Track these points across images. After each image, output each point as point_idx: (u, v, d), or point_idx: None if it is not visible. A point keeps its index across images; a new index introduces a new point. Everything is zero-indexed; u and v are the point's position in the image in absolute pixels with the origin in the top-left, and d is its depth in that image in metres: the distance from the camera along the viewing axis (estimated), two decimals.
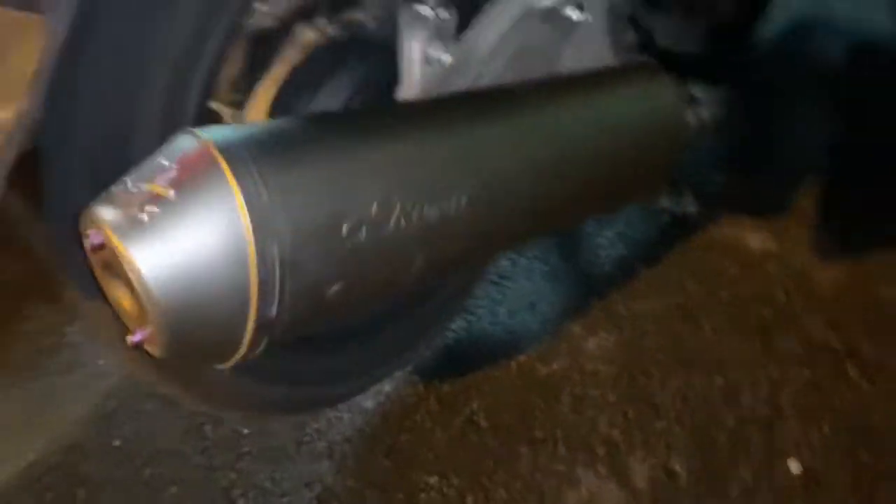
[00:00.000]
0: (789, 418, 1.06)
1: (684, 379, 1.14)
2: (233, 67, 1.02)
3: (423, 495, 1.06)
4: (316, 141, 0.57)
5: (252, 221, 0.51)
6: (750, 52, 1.16)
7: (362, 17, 1.04)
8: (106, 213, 0.49)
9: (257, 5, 1.01)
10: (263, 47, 1.01)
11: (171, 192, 0.49)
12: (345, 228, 0.55)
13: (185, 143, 0.53)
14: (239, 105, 1.02)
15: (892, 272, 1.23)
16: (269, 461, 1.14)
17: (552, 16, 0.91)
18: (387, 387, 1.21)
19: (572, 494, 1.02)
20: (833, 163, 1.49)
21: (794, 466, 1.01)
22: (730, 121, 1.40)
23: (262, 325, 0.53)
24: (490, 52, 0.87)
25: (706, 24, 1.03)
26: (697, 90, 1.09)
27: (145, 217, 0.48)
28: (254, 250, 0.50)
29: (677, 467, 1.04)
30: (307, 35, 1.00)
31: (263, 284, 0.52)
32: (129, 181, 0.51)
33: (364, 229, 0.56)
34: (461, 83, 0.86)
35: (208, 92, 0.81)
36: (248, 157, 0.52)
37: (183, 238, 0.49)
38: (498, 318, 1.29)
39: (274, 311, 0.53)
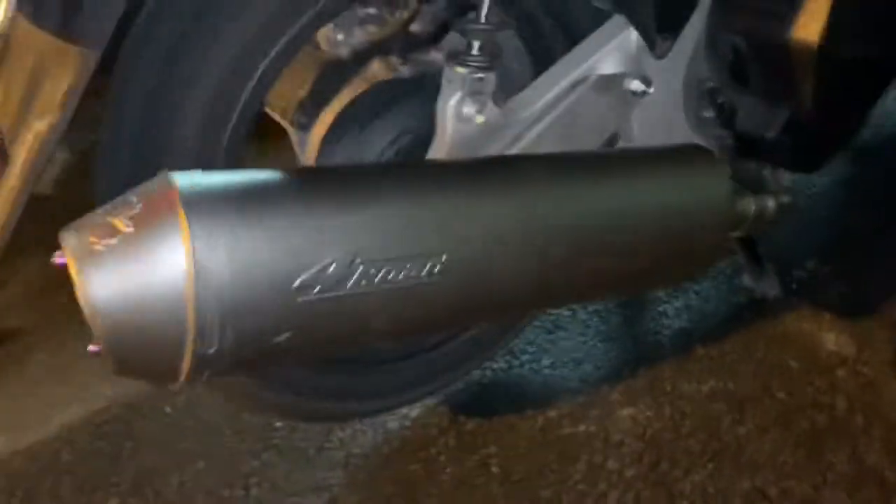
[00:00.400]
0: None
1: (711, 473, 1.08)
2: (302, 91, 1.07)
3: None
4: (282, 197, 0.60)
5: (196, 269, 0.55)
6: (848, 144, 1.06)
7: (437, 58, 1.05)
8: (70, 238, 0.55)
9: (339, 36, 1.06)
10: (334, 76, 1.05)
11: (130, 229, 0.54)
12: (296, 285, 0.58)
13: (157, 184, 0.58)
14: (304, 128, 1.07)
15: None
16: (290, 459, 1.19)
17: (611, 86, 0.89)
18: (414, 411, 1.23)
19: None
20: None
21: None
22: (816, 209, 1.29)
23: (201, 362, 0.58)
24: (534, 116, 0.86)
25: (792, 111, 0.95)
26: (771, 177, 1.02)
27: (101, 247, 0.53)
28: (193, 296, 0.55)
29: None
30: (378, 70, 1.03)
31: (200, 328, 0.56)
32: (100, 211, 0.57)
33: (318, 287, 0.59)
34: (497, 144, 0.86)
35: (257, 103, 0.85)
36: (207, 208, 0.56)
37: (130, 273, 0.54)
38: (540, 367, 1.27)
39: (213, 351, 0.57)
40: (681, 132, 1.01)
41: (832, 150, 1.02)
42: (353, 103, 1.02)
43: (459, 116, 0.82)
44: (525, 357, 1.30)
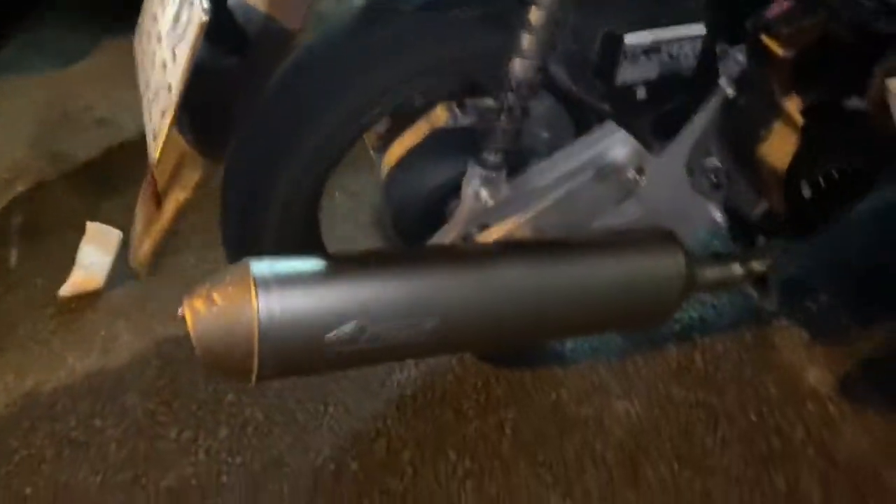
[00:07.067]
0: None
1: (673, 470, 1.32)
2: (382, 126, 1.31)
3: (441, 463, 1.39)
4: (316, 280, 0.90)
5: (260, 328, 0.85)
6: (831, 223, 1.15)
7: (491, 105, 1.24)
8: (187, 301, 0.88)
9: None
10: (406, 115, 1.28)
11: (221, 302, 0.84)
12: (324, 341, 0.86)
13: (240, 267, 0.89)
14: (381, 151, 1.32)
15: None
16: (360, 389, 1.52)
17: (610, 175, 1.06)
18: (459, 368, 1.52)
19: None
20: None
21: None
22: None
23: (261, 378, 0.89)
24: (537, 194, 1.06)
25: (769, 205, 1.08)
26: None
27: (203, 311, 0.84)
28: (257, 344, 0.85)
29: None
30: (440, 114, 1.24)
31: (261, 362, 0.87)
32: (207, 285, 0.88)
33: (338, 343, 0.87)
34: (504, 216, 1.07)
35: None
36: (271, 284, 0.87)
37: (220, 329, 0.85)
38: (563, 350, 1.52)
39: (267, 373, 0.88)
40: (687, 198, 1.18)
41: (815, 229, 1.15)
42: (422, 141, 1.26)
43: (476, 199, 1.05)
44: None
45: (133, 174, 2.17)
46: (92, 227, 1.96)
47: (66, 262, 1.90)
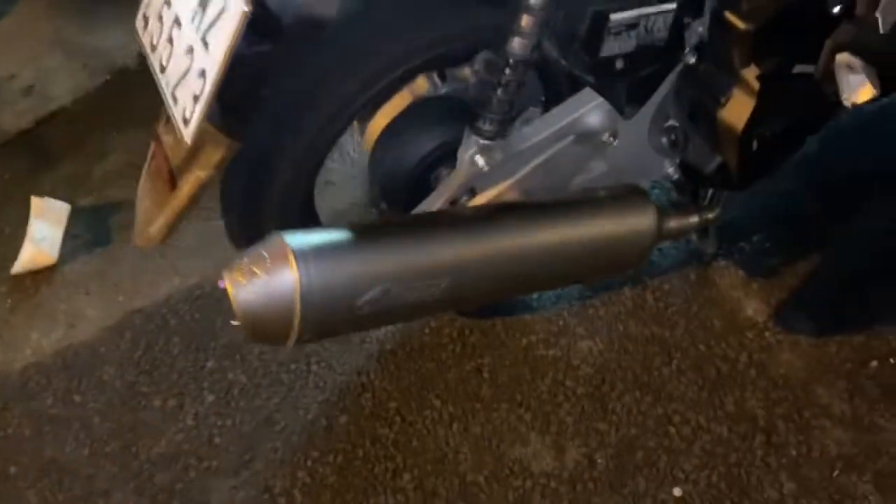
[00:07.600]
0: (691, 455, 1.40)
1: (637, 398, 1.48)
2: None
3: (427, 410, 1.50)
4: (348, 245, 0.99)
5: (300, 297, 0.92)
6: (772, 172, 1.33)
7: (468, 73, 1.32)
8: (228, 274, 0.92)
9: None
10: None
11: (262, 273, 0.90)
12: (357, 302, 0.94)
13: (275, 240, 0.95)
14: (364, 121, 1.38)
15: (843, 388, 1.48)
16: (341, 347, 1.60)
17: (587, 139, 1.17)
18: (434, 322, 1.62)
19: (518, 448, 1.43)
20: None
21: (677, 491, 1.36)
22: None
23: (299, 340, 0.96)
24: (525, 157, 1.17)
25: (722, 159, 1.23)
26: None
27: (244, 283, 0.90)
28: (299, 311, 0.92)
29: (599, 459, 1.40)
30: (420, 84, 1.31)
31: (301, 327, 0.94)
32: (246, 259, 0.93)
33: (367, 305, 0.95)
34: (496, 178, 1.17)
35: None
36: (307, 254, 0.93)
37: (262, 298, 0.91)
38: (529, 300, 1.64)
39: (307, 337, 0.95)
40: (648, 155, 1.31)
41: (758, 179, 1.31)
42: (405, 110, 1.32)
43: (472, 164, 1.14)
44: None
45: (69, 145, 2.15)
46: (38, 201, 1.91)
47: (13, 240, 1.86)
